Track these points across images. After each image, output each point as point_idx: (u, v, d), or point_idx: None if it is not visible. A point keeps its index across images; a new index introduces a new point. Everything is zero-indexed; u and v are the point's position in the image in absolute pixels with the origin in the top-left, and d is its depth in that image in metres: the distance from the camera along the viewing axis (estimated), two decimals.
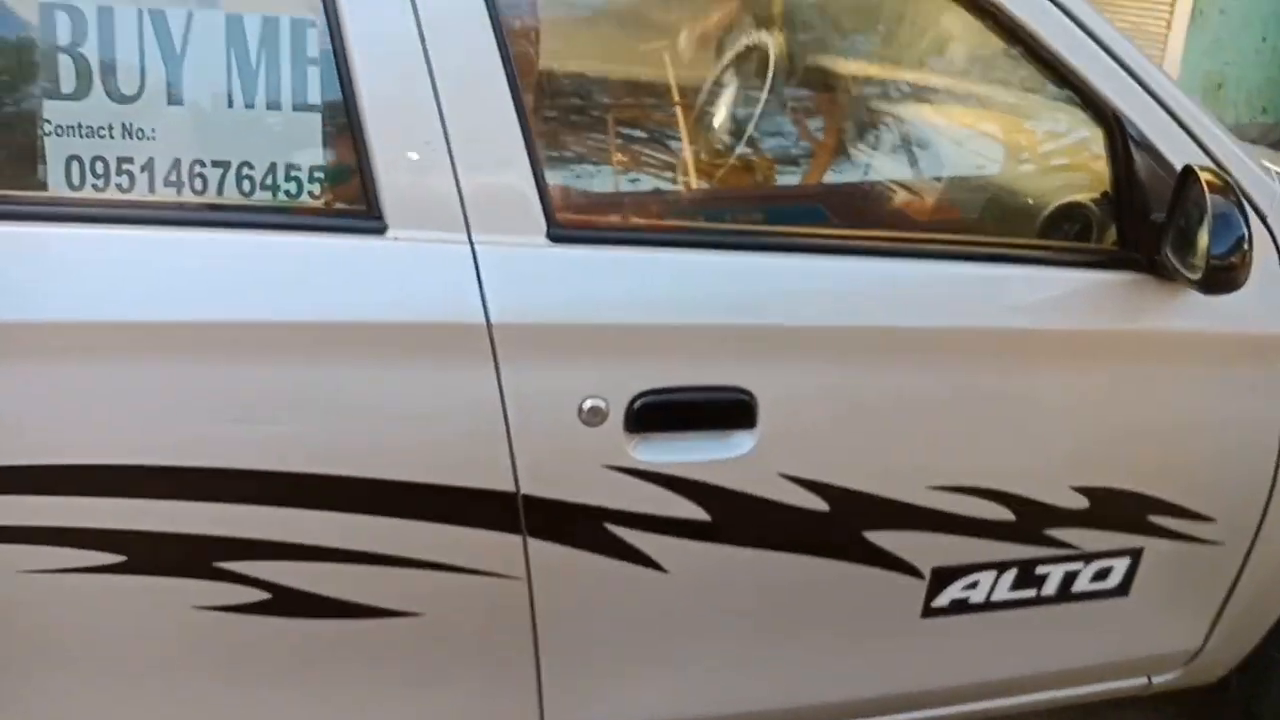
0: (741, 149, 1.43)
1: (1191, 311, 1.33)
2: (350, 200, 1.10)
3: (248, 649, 1.16)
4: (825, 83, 1.56)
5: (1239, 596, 1.54)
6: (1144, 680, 1.62)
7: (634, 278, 1.17)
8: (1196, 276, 1.20)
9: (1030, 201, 1.54)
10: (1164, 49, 7.33)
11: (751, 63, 1.59)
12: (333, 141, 1.09)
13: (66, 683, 1.12)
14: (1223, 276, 1.19)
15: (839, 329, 1.23)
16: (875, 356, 1.25)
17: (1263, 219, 1.37)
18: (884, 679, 1.44)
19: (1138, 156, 1.30)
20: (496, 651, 1.26)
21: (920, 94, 1.69)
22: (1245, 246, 1.18)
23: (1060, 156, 1.58)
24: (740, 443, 1.21)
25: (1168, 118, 1.32)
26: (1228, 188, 1.20)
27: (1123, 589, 1.47)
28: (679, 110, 1.41)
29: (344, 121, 1.07)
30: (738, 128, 1.45)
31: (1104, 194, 1.38)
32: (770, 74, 1.57)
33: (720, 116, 1.47)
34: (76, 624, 1.10)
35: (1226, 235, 1.17)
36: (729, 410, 1.20)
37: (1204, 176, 1.20)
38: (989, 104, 1.65)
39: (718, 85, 1.49)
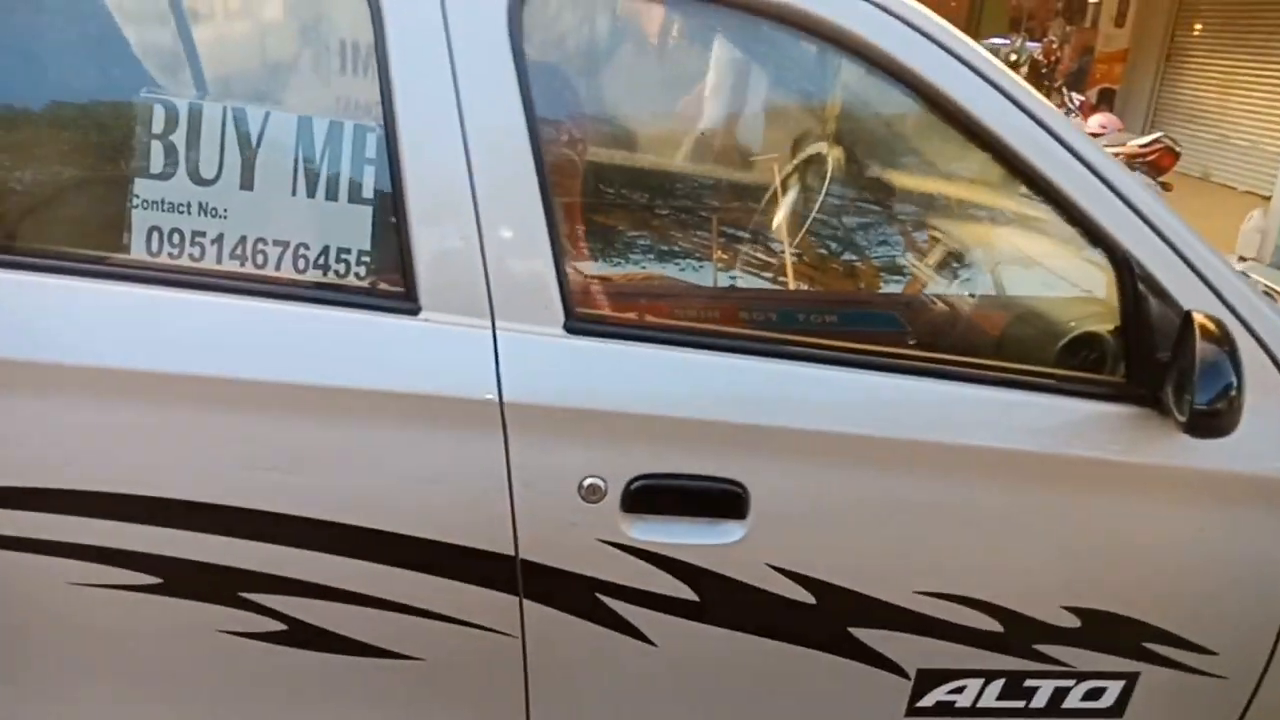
0: (756, 253, 1.54)
1: (1195, 449, 1.35)
2: (391, 283, 1.23)
3: (263, 674, 1.27)
4: (855, 195, 1.65)
5: None
6: None
7: (641, 371, 1.27)
8: (1183, 420, 1.24)
9: (1049, 328, 1.59)
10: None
11: (790, 173, 1.71)
12: (380, 231, 1.23)
13: (100, 687, 1.26)
14: (1206, 423, 1.22)
15: (835, 435, 1.30)
16: (870, 465, 1.31)
17: (1276, 363, 1.40)
18: None
19: (1147, 296, 1.35)
20: (490, 701, 1.35)
21: (956, 214, 1.77)
22: (1231, 395, 1.21)
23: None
24: (731, 531, 1.29)
25: (1178, 260, 1.36)
26: (1222, 337, 1.23)
27: (1117, 711, 1.48)
28: (705, 215, 1.52)
29: (391, 214, 1.21)
30: (759, 233, 1.55)
31: (1117, 328, 1.43)
32: (803, 185, 1.68)
33: (745, 222, 1.57)
34: (115, 636, 1.24)
35: (1211, 384, 1.20)
36: (721, 499, 1.28)
37: (1200, 323, 1.24)
38: (1020, 227, 1.71)
39: (742, 192, 1.60)
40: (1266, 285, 2.02)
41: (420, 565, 1.25)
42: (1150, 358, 1.33)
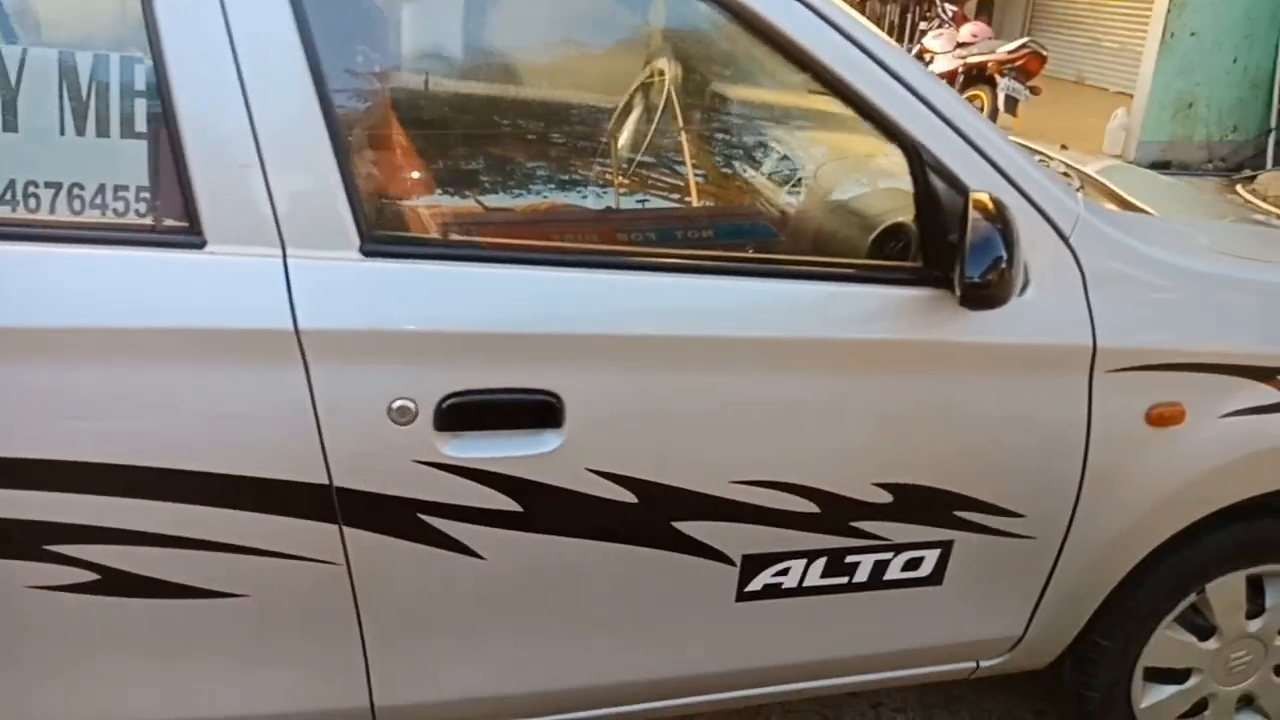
0: (574, 172, 1.55)
1: (988, 323, 1.43)
2: (175, 218, 1.21)
3: (86, 626, 1.27)
4: (648, 108, 1.66)
5: (1056, 587, 1.64)
6: (972, 665, 1.73)
7: (442, 289, 1.28)
8: (958, 294, 1.31)
9: (863, 222, 1.65)
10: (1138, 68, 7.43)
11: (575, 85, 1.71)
12: (158, 165, 1.21)
13: None
14: (978, 294, 1.29)
15: (647, 338, 1.34)
16: (684, 364, 1.36)
17: (1064, 238, 1.48)
18: (706, 659, 1.55)
19: (936, 181, 1.41)
20: (322, 632, 1.37)
21: (777, 121, 1.80)
22: (1001, 268, 1.27)
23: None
24: (548, 440, 1.32)
25: (963, 144, 1.43)
26: (995, 214, 1.30)
27: (936, 578, 1.57)
28: (498, 128, 1.51)
29: (168, 147, 1.19)
30: (576, 151, 1.56)
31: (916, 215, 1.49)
32: (627, 104, 1.69)
33: (539, 136, 1.58)
34: None
35: (981, 258, 1.27)
36: (536, 411, 1.31)
37: (974, 200, 1.31)
38: (826, 126, 1.76)
39: (541, 106, 1.60)
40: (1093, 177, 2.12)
41: (234, 502, 1.25)
42: (943, 240, 1.40)
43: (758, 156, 1.74)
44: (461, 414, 1.29)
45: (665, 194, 1.55)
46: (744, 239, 1.71)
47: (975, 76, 6.86)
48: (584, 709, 1.54)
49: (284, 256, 1.22)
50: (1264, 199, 6.02)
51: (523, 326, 1.30)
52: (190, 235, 1.20)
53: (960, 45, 7.15)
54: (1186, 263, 1.57)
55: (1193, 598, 1.74)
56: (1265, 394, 1.59)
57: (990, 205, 1.30)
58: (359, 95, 1.36)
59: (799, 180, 1.80)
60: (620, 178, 1.56)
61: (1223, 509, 1.64)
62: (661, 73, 1.73)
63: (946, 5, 8.05)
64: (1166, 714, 1.85)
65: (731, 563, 1.47)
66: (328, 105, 1.22)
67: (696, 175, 1.58)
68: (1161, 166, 6.93)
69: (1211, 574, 1.72)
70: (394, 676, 1.42)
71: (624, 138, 1.71)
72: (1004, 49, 6.75)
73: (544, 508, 1.35)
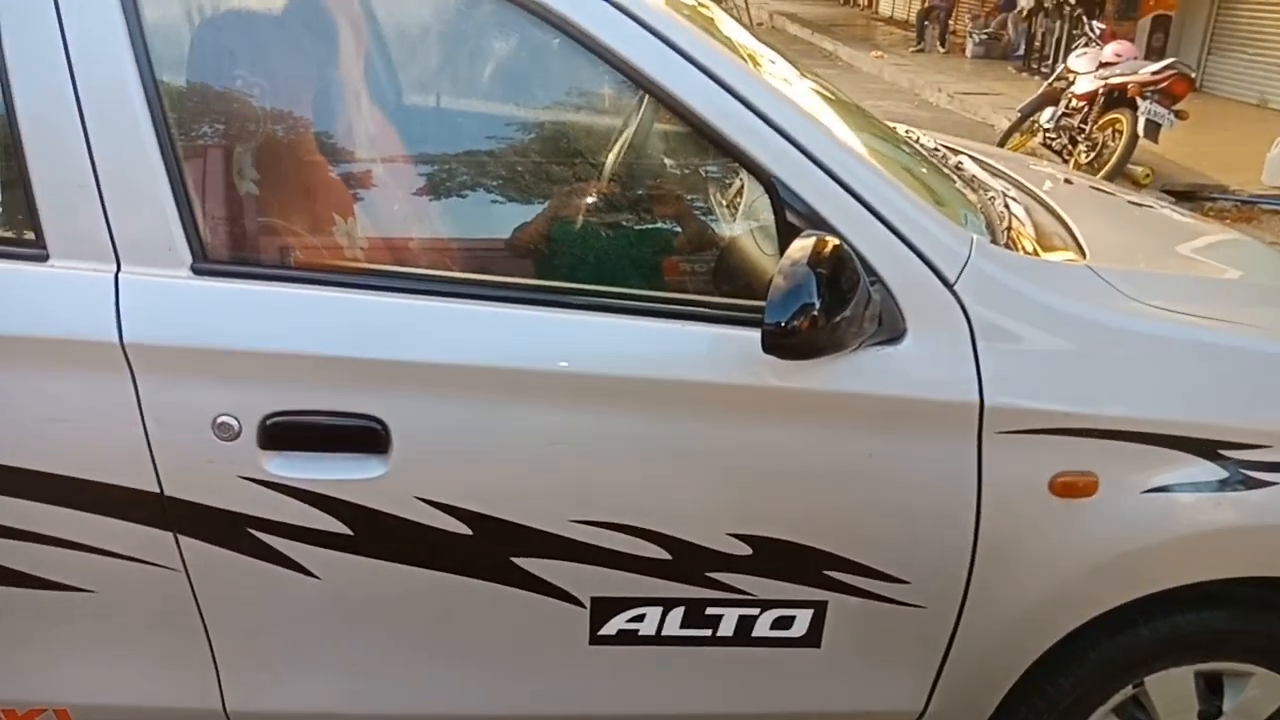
0: (395, 196, 1.54)
1: (854, 375, 1.33)
2: (23, 232, 1.29)
3: None
4: (482, 134, 1.60)
5: (957, 663, 1.50)
6: None
7: (270, 310, 1.31)
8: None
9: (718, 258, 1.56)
10: None
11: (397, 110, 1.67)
12: (8, 181, 1.28)
13: None
14: (779, 342, 1.20)
15: (472, 368, 1.32)
16: (510, 396, 1.33)
17: (948, 285, 1.36)
18: (559, 698, 1.50)
19: (794, 217, 1.33)
20: (170, 632, 1.42)
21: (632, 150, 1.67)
22: (812, 315, 1.18)
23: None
24: (373, 466, 1.32)
25: (826, 179, 1.33)
26: (822, 256, 1.20)
27: (812, 640, 1.47)
28: (336, 151, 1.51)
29: (16, 165, 1.26)
30: (394, 174, 1.54)
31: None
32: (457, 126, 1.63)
33: (378, 160, 1.55)
34: None
35: (788, 304, 1.18)
36: (361, 435, 1.32)
37: (800, 243, 1.22)
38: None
39: (379, 128, 1.58)
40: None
41: (74, 502, 1.32)
42: None
43: (613, 184, 1.64)
44: (285, 433, 1.31)
45: (501, 222, 1.51)
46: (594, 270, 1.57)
47: (1116, 99, 6.39)
48: None
49: (117, 272, 1.27)
50: None
51: (347, 350, 1.30)
52: (35, 249, 1.28)
53: (1103, 65, 6.68)
54: (1103, 318, 1.40)
55: (1130, 691, 1.55)
56: (1205, 470, 1.40)
57: (816, 247, 1.21)
58: (196, 116, 1.40)
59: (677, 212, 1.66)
60: (455, 203, 1.54)
61: (1164, 595, 1.46)
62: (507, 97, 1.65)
63: (1095, 23, 7.55)
64: None
65: (580, 604, 1.42)
66: (162, 125, 1.27)
67: (537, 201, 1.53)
68: None
69: (1150, 667, 1.53)
70: (243, 682, 1.46)
71: (461, 163, 1.63)
72: (1147, 70, 6.26)
73: (374, 532, 1.35)
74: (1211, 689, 1.58)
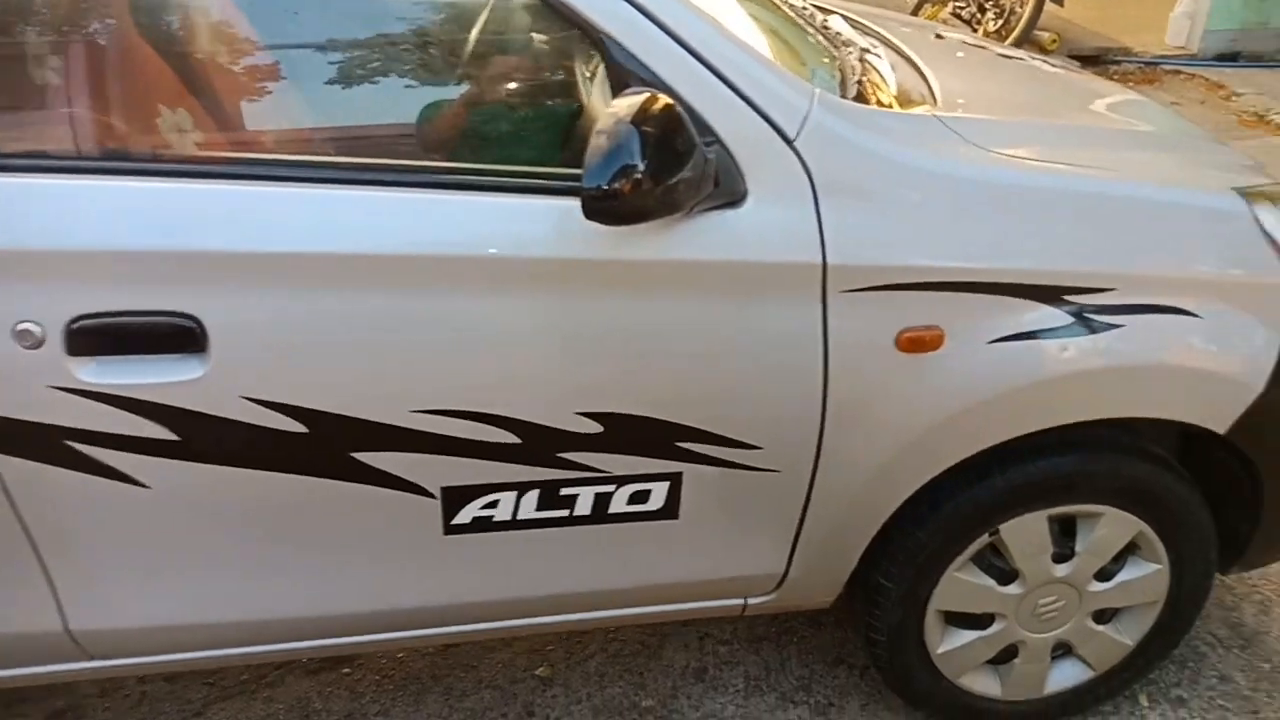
0: (199, 78, 1.43)
1: (689, 240, 1.29)
2: None
3: None
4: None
5: (815, 523, 1.52)
6: (739, 601, 1.63)
7: (70, 206, 1.21)
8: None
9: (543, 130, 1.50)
10: None
11: None
12: None
13: None
14: (600, 207, 1.15)
15: (284, 255, 1.25)
16: (329, 284, 1.26)
17: (789, 142, 1.31)
18: (419, 592, 1.49)
19: (629, 81, 1.26)
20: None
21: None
22: (635, 177, 1.12)
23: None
24: (192, 367, 1.26)
25: (660, 34, 1.27)
26: (648, 114, 1.14)
27: (669, 512, 1.47)
28: (148, 31, 1.40)
29: None
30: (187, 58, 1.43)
31: None
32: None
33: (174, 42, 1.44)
34: None
35: (608, 165, 1.12)
36: (175, 335, 1.25)
37: (620, 101, 1.16)
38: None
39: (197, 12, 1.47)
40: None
41: None
42: None
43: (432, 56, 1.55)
44: (93, 337, 1.23)
45: (320, 103, 1.42)
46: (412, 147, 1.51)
47: None
48: (288, 641, 1.51)
49: None
50: None
51: (152, 244, 1.22)
52: None
53: None
54: (945, 168, 1.37)
55: (986, 539, 1.59)
56: (1049, 316, 1.40)
57: (644, 104, 1.15)
58: None
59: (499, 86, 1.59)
60: (271, 85, 1.44)
61: (1014, 444, 1.48)
62: None
63: None
64: (968, 660, 1.72)
65: (430, 495, 1.40)
66: None
67: (361, 80, 1.44)
68: (1229, 58, 6.31)
69: (1004, 515, 1.56)
70: (82, 601, 1.41)
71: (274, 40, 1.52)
72: None
73: (203, 436, 1.30)
74: (1065, 531, 1.62)
